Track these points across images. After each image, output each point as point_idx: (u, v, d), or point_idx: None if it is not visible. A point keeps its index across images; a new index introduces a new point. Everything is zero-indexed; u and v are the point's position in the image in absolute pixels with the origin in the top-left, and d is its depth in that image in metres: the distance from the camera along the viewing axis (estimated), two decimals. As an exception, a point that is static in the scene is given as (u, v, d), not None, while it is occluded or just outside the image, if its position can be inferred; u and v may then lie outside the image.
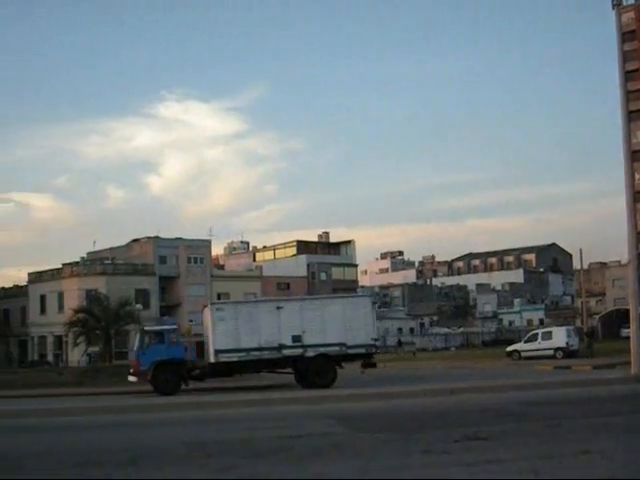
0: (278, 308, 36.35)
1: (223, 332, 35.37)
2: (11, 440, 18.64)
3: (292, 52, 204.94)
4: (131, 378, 36.07)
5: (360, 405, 24.50)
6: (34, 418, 24.45)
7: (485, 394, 26.18)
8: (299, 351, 35.55)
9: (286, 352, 35.52)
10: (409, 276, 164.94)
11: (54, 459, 14.19)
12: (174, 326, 38.69)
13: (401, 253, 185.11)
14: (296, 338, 35.52)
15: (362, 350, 36.34)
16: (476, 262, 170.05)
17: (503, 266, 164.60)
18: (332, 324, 35.85)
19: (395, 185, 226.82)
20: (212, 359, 35.33)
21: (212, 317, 35.70)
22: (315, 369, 35.36)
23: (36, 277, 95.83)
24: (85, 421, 23.15)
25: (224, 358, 35.25)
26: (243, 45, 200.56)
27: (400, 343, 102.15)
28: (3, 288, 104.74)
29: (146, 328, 38.69)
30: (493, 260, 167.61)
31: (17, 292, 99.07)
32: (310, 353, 35.54)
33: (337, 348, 35.71)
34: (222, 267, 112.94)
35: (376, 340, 37.44)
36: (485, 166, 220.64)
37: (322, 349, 35.59)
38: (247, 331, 35.40)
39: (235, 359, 35.31)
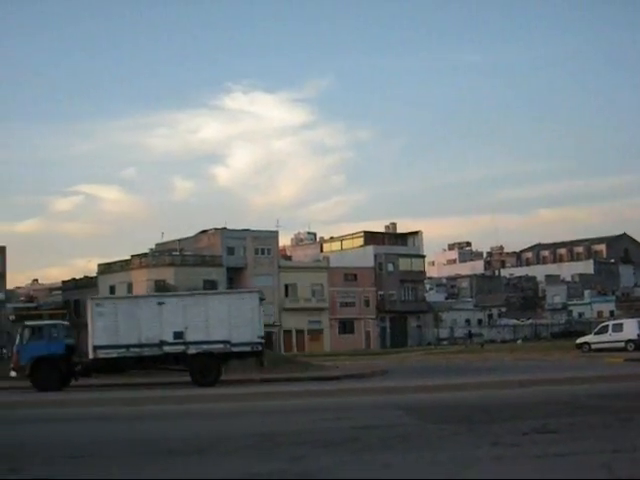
0: (159, 304, 35.57)
1: (102, 328, 34.72)
2: (75, 429, 18.94)
3: (356, 42, 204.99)
4: (12, 373, 35.73)
5: (428, 396, 24.34)
6: (103, 407, 24.80)
7: (554, 386, 25.81)
8: (181, 348, 34.80)
9: (167, 349, 34.80)
10: (477, 267, 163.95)
11: (121, 447, 14.33)
12: (57, 322, 38.68)
13: (469, 244, 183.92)
14: (178, 335, 34.73)
15: (247, 348, 35.36)
16: (545, 253, 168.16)
17: (573, 257, 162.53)
18: (216, 321, 34.97)
19: (462, 175, 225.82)
20: (91, 355, 34.94)
21: (91, 312, 35.17)
22: (198, 367, 34.58)
23: (106, 268, 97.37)
24: (153, 411, 23.39)
25: (103, 354, 34.68)
26: (308, 36, 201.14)
27: (470, 335, 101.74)
28: (74, 279, 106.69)
29: (26, 323, 38.68)
30: (562, 251, 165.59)
31: (87, 283, 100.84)
32: (192, 350, 34.73)
33: (221, 346, 34.83)
34: (289, 258, 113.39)
35: (263, 338, 35.95)
36: (554, 156, 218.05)
37: (205, 346, 34.75)
38: (127, 327, 34.71)
39: (114, 355, 34.68)
